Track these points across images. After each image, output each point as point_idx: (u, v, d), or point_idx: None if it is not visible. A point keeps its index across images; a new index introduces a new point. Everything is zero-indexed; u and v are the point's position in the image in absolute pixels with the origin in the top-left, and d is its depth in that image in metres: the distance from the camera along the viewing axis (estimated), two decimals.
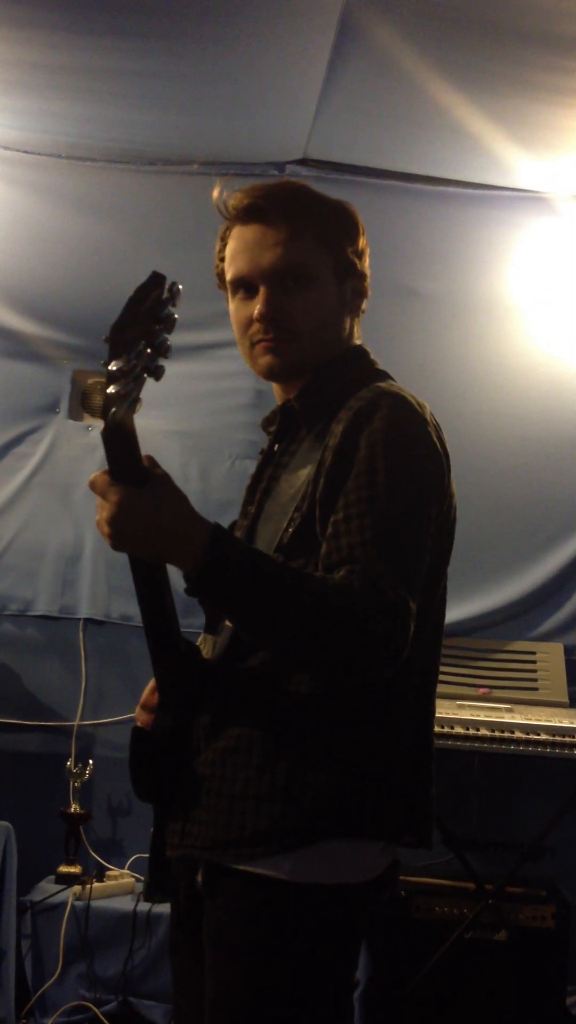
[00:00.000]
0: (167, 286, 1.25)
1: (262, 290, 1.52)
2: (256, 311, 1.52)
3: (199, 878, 1.44)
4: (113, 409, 1.23)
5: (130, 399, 1.24)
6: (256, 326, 1.53)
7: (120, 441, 1.27)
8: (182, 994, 1.57)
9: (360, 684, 1.37)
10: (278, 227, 1.51)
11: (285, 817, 1.37)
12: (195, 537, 1.29)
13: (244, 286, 1.54)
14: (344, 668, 1.33)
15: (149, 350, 1.23)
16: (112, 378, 1.23)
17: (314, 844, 1.37)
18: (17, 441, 3.71)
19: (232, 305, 1.58)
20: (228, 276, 1.57)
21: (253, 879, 1.37)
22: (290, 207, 1.52)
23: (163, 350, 1.24)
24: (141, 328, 1.23)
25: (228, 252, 1.56)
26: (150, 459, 1.31)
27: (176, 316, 1.26)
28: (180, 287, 1.25)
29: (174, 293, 1.25)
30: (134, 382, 1.23)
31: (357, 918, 1.46)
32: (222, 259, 1.58)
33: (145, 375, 1.24)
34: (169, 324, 1.25)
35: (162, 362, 1.25)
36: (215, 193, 1.56)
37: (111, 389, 1.23)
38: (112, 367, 1.23)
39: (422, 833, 1.48)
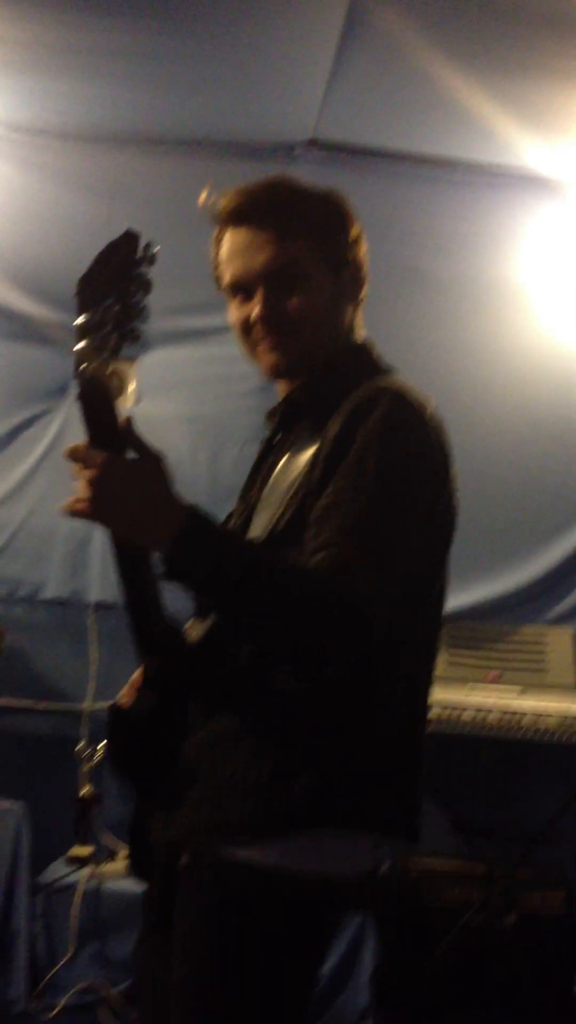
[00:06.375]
0: (141, 246, 1.21)
1: (258, 292, 1.53)
2: (255, 313, 1.53)
3: (183, 862, 1.44)
4: (84, 365, 1.19)
5: (101, 355, 1.19)
6: (256, 328, 1.54)
7: (93, 401, 1.23)
8: (147, 975, 1.58)
9: (330, 671, 1.36)
10: (267, 228, 1.51)
11: (273, 805, 1.37)
12: (172, 519, 1.26)
13: (240, 289, 1.55)
14: (309, 654, 1.32)
15: (119, 307, 1.19)
16: (81, 333, 1.19)
17: (301, 834, 1.38)
18: (27, 424, 3.71)
19: (231, 308, 1.58)
20: (224, 281, 1.57)
21: (237, 865, 1.37)
22: (276, 206, 1.52)
23: (136, 311, 1.20)
24: (111, 284, 1.19)
25: (222, 257, 1.57)
26: (130, 425, 1.26)
27: (151, 279, 1.21)
28: (156, 249, 1.21)
29: (148, 254, 1.21)
30: (103, 338, 1.19)
31: (335, 913, 1.47)
32: (218, 264, 1.59)
33: (117, 334, 1.19)
34: (143, 285, 1.21)
35: (138, 325, 1.21)
36: (202, 198, 1.56)
37: (80, 345, 1.19)
38: (79, 321, 1.19)
39: (410, 826, 1.47)
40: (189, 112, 3.52)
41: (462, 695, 3.24)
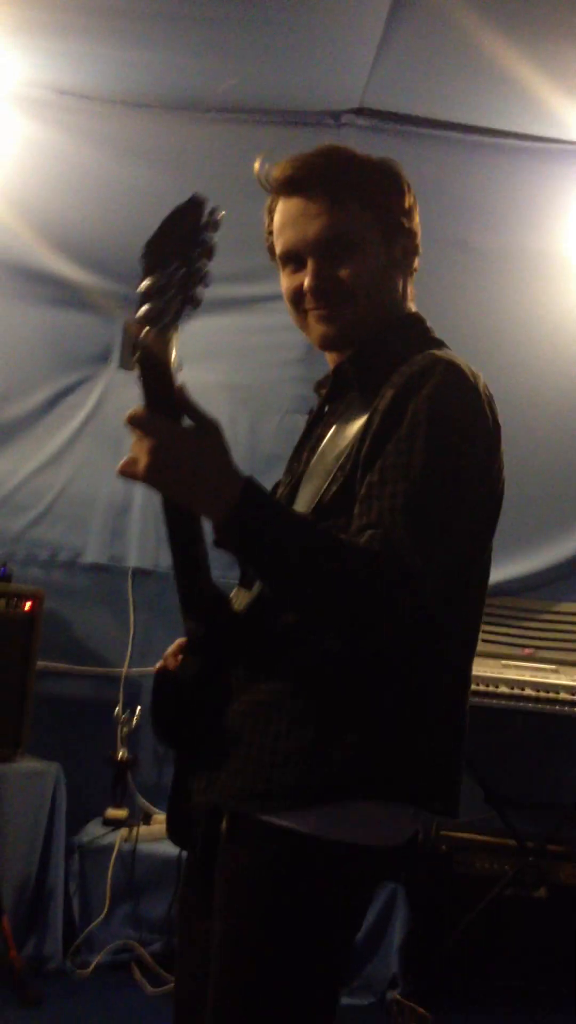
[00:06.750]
0: (207, 211, 1.21)
1: (310, 262, 1.51)
2: (306, 283, 1.51)
3: (223, 826, 1.45)
4: (145, 330, 1.19)
5: (163, 320, 1.18)
6: (308, 298, 1.52)
7: (153, 367, 1.22)
8: (187, 939, 1.60)
9: (375, 648, 1.36)
10: (320, 197, 1.50)
11: (313, 773, 1.38)
12: (228, 487, 1.26)
13: (293, 259, 1.54)
14: (355, 630, 1.33)
15: (184, 272, 1.18)
16: (145, 297, 1.18)
17: (341, 802, 1.38)
18: (69, 391, 3.73)
19: (282, 278, 1.57)
20: (277, 250, 1.56)
21: (276, 831, 1.38)
22: (330, 175, 1.50)
23: (200, 276, 1.19)
24: (177, 249, 1.19)
25: (275, 226, 1.56)
26: (183, 392, 1.26)
27: (215, 244, 1.21)
28: (222, 213, 1.21)
29: (214, 219, 1.21)
30: (167, 303, 1.18)
31: (371, 882, 1.48)
32: (270, 233, 1.58)
33: (180, 298, 1.19)
34: (207, 250, 1.20)
35: (200, 291, 1.20)
36: (256, 166, 1.54)
37: (143, 309, 1.18)
38: (144, 285, 1.19)
39: (450, 800, 1.47)
40: (238, 79, 3.49)
41: (496, 671, 3.23)
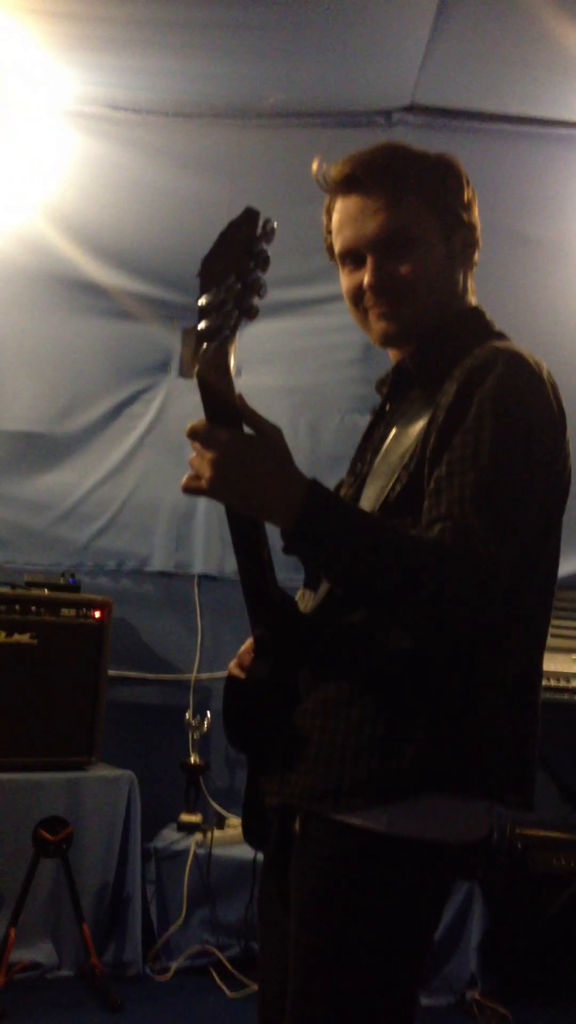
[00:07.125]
0: (261, 223, 1.22)
1: (369, 260, 1.52)
2: (366, 281, 1.52)
3: (296, 826, 1.45)
4: (204, 345, 1.20)
5: (222, 335, 1.20)
6: (368, 295, 1.53)
7: (213, 381, 1.23)
8: (267, 941, 1.60)
9: (452, 639, 1.35)
10: (377, 195, 1.50)
11: (385, 769, 1.37)
12: (292, 493, 1.27)
13: (352, 257, 1.54)
14: (432, 623, 1.32)
15: (240, 285, 1.20)
16: (203, 313, 1.20)
17: (413, 798, 1.38)
18: (130, 400, 3.77)
19: (342, 277, 1.58)
20: (336, 249, 1.57)
21: (350, 829, 1.38)
22: (388, 172, 1.51)
23: (256, 288, 1.20)
24: (232, 263, 1.20)
25: (334, 225, 1.56)
26: (243, 401, 1.27)
27: (269, 255, 1.22)
28: (275, 225, 1.22)
29: (268, 231, 1.22)
30: (225, 317, 1.19)
31: (447, 878, 1.47)
32: (329, 232, 1.58)
33: (237, 311, 1.20)
34: (262, 262, 1.21)
35: (256, 302, 1.21)
36: (314, 167, 1.55)
37: (201, 324, 1.20)
38: (202, 301, 1.20)
39: (524, 793, 1.46)
40: (286, 83, 3.51)
41: (566, 665, 3.20)
